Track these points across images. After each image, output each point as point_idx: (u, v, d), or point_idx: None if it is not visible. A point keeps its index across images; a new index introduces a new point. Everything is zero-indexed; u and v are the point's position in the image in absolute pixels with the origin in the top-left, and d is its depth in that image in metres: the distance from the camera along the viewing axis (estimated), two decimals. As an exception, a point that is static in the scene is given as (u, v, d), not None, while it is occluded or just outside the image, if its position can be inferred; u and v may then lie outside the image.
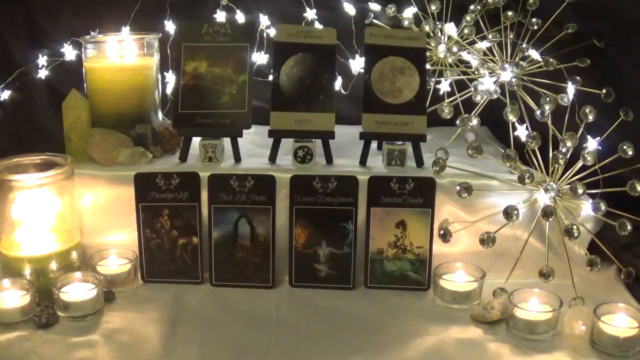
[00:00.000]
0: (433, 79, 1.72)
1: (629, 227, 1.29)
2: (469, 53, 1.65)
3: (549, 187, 1.37)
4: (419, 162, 1.49)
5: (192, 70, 1.50)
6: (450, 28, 1.68)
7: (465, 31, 1.70)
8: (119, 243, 1.46)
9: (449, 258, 1.42)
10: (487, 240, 1.36)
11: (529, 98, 1.56)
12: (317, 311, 1.32)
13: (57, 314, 1.27)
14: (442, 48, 1.71)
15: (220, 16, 1.82)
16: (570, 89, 1.43)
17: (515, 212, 1.34)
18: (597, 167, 1.34)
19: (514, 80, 1.55)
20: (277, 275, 1.41)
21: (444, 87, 1.74)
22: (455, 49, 1.67)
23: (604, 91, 1.46)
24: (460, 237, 1.44)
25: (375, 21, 1.77)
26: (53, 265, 1.35)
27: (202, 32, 1.52)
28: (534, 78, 1.57)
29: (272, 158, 1.51)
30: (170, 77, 1.79)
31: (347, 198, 1.38)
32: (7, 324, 1.25)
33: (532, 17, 1.66)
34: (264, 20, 1.81)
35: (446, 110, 1.62)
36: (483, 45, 1.65)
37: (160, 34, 1.66)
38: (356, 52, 1.79)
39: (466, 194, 1.39)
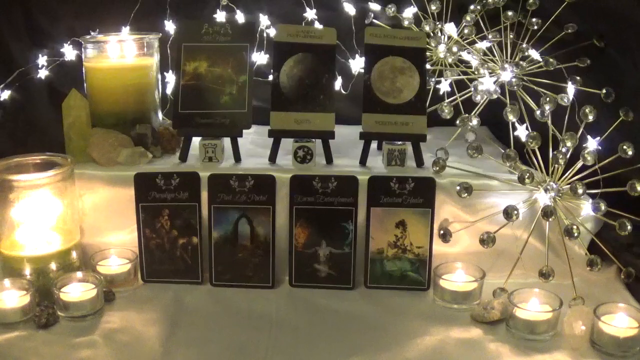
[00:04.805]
0: (433, 79, 1.72)
1: (629, 227, 1.29)
2: (469, 53, 1.65)
3: (549, 187, 1.37)
4: (419, 162, 1.49)
5: (192, 70, 1.50)
6: (450, 28, 1.68)
7: (465, 31, 1.70)
8: (119, 243, 1.46)
9: (449, 258, 1.42)
10: (487, 240, 1.36)
11: (529, 98, 1.56)
12: (317, 311, 1.32)
13: (57, 314, 1.27)
14: (442, 48, 1.71)
15: (220, 16, 1.82)
16: (570, 89, 1.44)
17: (515, 212, 1.34)
18: (597, 167, 1.34)
19: (514, 80, 1.55)
20: (277, 275, 1.41)
21: (444, 87, 1.74)
22: (455, 49, 1.67)
23: (604, 91, 1.46)
24: (460, 237, 1.44)
25: (375, 21, 1.77)
26: (53, 265, 1.35)
27: (202, 32, 1.52)
28: (534, 78, 1.57)
29: (272, 158, 1.51)
30: (170, 77, 1.79)
31: (347, 198, 1.38)
32: (7, 324, 1.25)
33: (532, 17, 1.66)
34: (264, 20, 1.81)
35: (446, 110, 1.62)
36: (483, 45, 1.65)
37: (160, 34, 1.66)
38: (356, 52, 1.79)
39: (466, 194, 1.39)
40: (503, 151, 1.42)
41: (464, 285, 1.33)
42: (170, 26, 1.81)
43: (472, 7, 1.70)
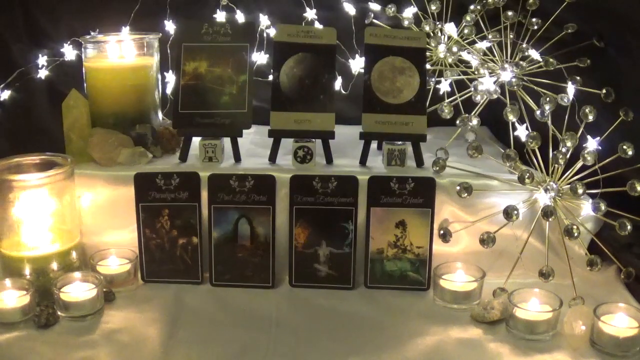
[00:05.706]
0: (433, 79, 1.72)
1: (629, 227, 1.29)
2: (469, 53, 1.65)
3: (549, 187, 1.37)
4: (419, 162, 1.49)
5: (192, 70, 1.50)
6: (450, 28, 1.68)
7: (465, 31, 1.70)
8: (118, 243, 1.46)
9: (449, 258, 1.42)
10: (487, 240, 1.36)
11: (529, 98, 1.56)
12: (317, 311, 1.32)
13: (57, 314, 1.27)
14: (442, 48, 1.71)
15: (220, 16, 1.82)
16: (570, 89, 1.44)
17: (515, 212, 1.34)
18: (597, 167, 1.34)
19: (514, 80, 1.55)
20: (277, 275, 1.41)
21: (444, 87, 1.74)
22: (455, 49, 1.67)
23: (604, 91, 1.46)
24: (460, 237, 1.44)
25: (375, 21, 1.77)
26: (53, 265, 1.35)
27: (202, 32, 1.52)
28: (534, 78, 1.57)
29: (272, 158, 1.51)
30: (170, 77, 1.79)
31: (347, 198, 1.38)
32: (7, 324, 1.25)
33: (532, 17, 1.66)
34: (264, 20, 1.81)
35: (446, 110, 1.62)
36: (483, 45, 1.65)
37: (160, 34, 1.66)
38: (356, 52, 1.79)
39: (466, 194, 1.39)
40: (503, 151, 1.42)
41: (464, 285, 1.33)
42: (170, 26, 1.81)
43: (472, 7, 1.70)
